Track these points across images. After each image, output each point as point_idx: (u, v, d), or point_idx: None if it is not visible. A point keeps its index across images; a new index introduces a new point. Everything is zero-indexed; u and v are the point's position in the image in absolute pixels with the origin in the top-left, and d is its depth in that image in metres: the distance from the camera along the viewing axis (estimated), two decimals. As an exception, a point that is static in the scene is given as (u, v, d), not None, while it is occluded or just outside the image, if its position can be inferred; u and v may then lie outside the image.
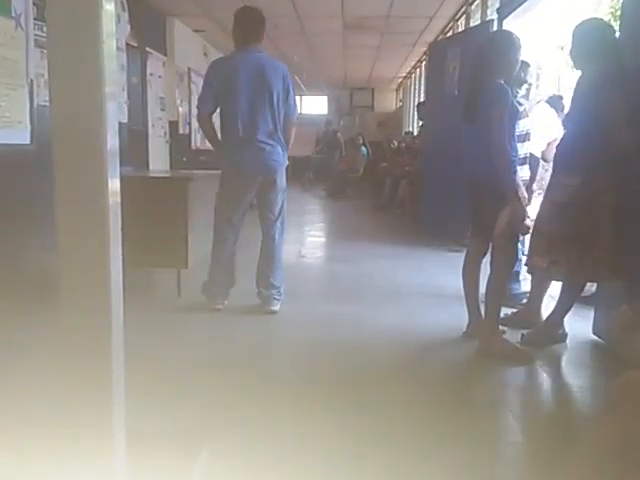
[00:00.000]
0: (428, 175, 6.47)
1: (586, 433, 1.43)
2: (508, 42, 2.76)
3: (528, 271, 2.96)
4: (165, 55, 7.66)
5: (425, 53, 9.10)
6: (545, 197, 2.89)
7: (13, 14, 3.96)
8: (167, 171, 6.53)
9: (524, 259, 3.57)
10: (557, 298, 2.93)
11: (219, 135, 3.33)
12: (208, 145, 3.59)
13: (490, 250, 2.84)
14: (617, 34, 2.74)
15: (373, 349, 2.81)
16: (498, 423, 2.14)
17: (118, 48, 5.56)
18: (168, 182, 3.94)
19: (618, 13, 3.95)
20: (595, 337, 2.93)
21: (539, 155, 4.19)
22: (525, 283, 3.62)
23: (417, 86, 11.32)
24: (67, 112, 1.12)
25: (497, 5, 5.49)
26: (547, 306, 3.05)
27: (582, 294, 2.92)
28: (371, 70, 12.25)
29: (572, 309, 2.86)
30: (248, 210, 3.37)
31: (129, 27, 5.91)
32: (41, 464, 1.53)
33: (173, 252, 3.46)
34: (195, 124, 8.81)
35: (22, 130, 4.12)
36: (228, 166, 3.23)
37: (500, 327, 2.83)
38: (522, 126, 3.33)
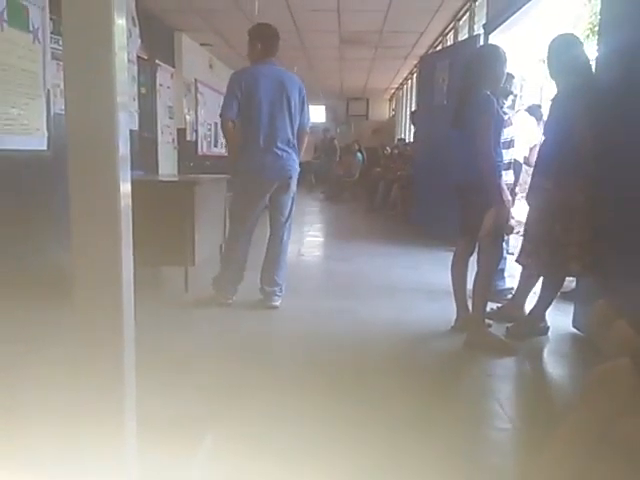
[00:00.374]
0: (419, 179, 6.48)
1: (566, 417, 1.43)
2: (495, 55, 2.76)
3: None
4: (173, 67, 7.67)
5: (416, 66, 9.09)
6: (527, 198, 2.92)
7: (31, 28, 3.96)
8: (175, 175, 6.54)
9: (509, 257, 3.59)
10: (539, 293, 2.94)
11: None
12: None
13: (477, 249, 2.85)
14: (585, 48, 2.75)
15: (369, 341, 2.81)
16: (485, 410, 2.15)
17: (129, 60, 5.56)
18: (176, 186, 3.94)
19: (596, 29, 3.95)
20: (575, 330, 2.94)
21: (522, 160, 4.21)
22: (510, 280, 3.63)
23: (409, 96, 11.31)
24: (81, 120, 1.13)
25: (484, 21, 5.49)
26: (530, 301, 3.06)
27: (562, 290, 2.94)
28: (366, 81, 12.25)
29: (553, 304, 2.87)
30: (262, 213, 3.35)
31: (140, 41, 5.92)
32: (59, 449, 1.54)
33: (180, 251, 3.46)
34: (201, 131, 8.83)
35: (39, 137, 4.13)
36: (247, 171, 3.20)
37: (486, 321, 2.84)
38: (507, 134, 3.34)
